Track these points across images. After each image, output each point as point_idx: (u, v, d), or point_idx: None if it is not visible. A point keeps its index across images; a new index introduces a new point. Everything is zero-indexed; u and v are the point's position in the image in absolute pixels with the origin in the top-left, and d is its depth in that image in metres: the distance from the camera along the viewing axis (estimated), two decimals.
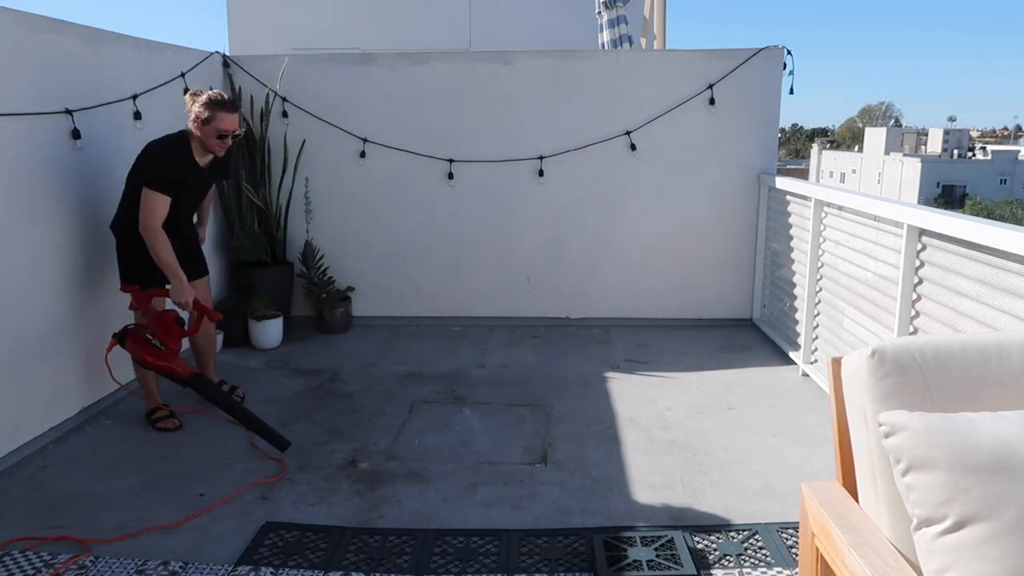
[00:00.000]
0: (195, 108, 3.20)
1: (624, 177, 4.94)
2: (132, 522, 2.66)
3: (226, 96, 3.25)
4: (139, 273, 3.29)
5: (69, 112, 3.41)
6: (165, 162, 3.19)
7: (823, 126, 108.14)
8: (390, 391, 3.95)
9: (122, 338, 3.28)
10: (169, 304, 3.36)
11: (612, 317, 5.06)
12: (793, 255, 4.43)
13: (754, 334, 4.87)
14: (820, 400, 3.76)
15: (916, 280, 3.04)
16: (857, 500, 1.60)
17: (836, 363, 1.64)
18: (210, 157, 3.34)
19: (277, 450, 3.13)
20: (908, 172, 51.97)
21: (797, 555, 2.40)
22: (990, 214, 37.75)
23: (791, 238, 4.45)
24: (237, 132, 3.26)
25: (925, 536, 1.33)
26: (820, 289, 4.04)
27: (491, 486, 2.93)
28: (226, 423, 3.53)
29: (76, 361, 3.48)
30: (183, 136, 3.27)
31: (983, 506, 1.26)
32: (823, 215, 3.98)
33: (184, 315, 3.40)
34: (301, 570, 2.39)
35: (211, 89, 3.30)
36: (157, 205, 3.13)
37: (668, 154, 4.89)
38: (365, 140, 4.96)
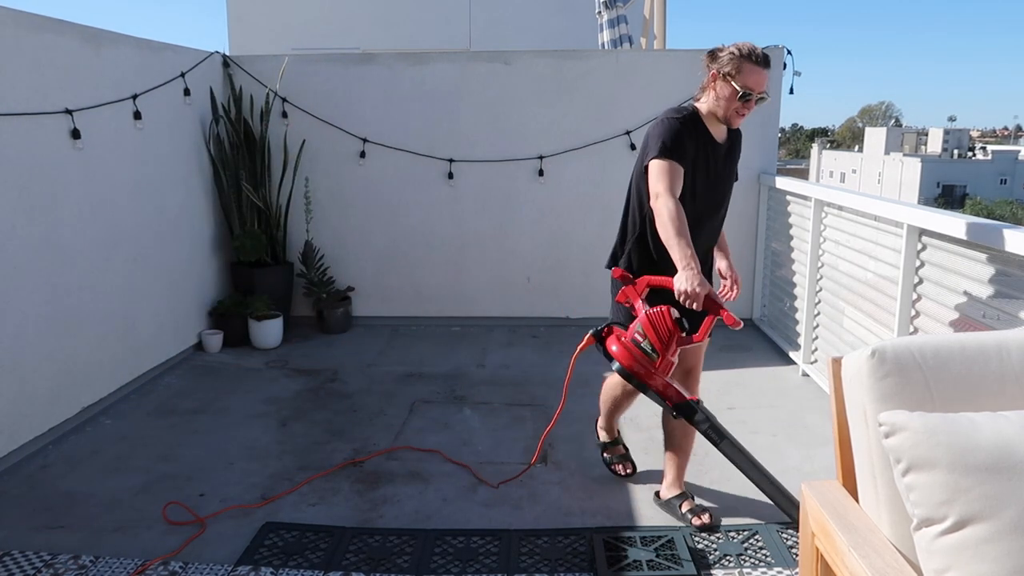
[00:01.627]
0: (715, 64, 2.58)
1: (624, 177, 4.82)
2: (132, 522, 2.66)
3: (758, 51, 2.53)
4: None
5: (69, 112, 3.41)
6: (670, 126, 2.54)
7: (823, 126, 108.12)
8: (390, 391, 3.95)
9: (600, 337, 2.58)
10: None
11: None
12: (793, 255, 4.43)
13: (754, 334, 4.87)
14: (820, 400, 3.76)
15: (916, 280, 3.04)
16: (857, 500, 1.59)
17: (836, 363, 1.64)
18: (725, 131, 2.69)
19: (786, 517, 2.53)
20: (908, 172, 51.92)
21: (797, 555, 2.40)
22: (990, 214, 37.72)
23: (791, 238, 4.45)
24: (763, 94, 2.55)
25: (925, 536, 1.33)
26: (820, 289, 4.04)
27: (491, 486, 2.93)
28: (225, 424, 3.53)
29: (76, 361, 3.49)
30: (694, 112, 2.65)
31: (983, 506, 1.25)
32: (823, 215, 3.98)
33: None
34: (301, 570, 2.38)
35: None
36: (667, 170, 2.46)
37: None
38: (365, 140, 4.96)
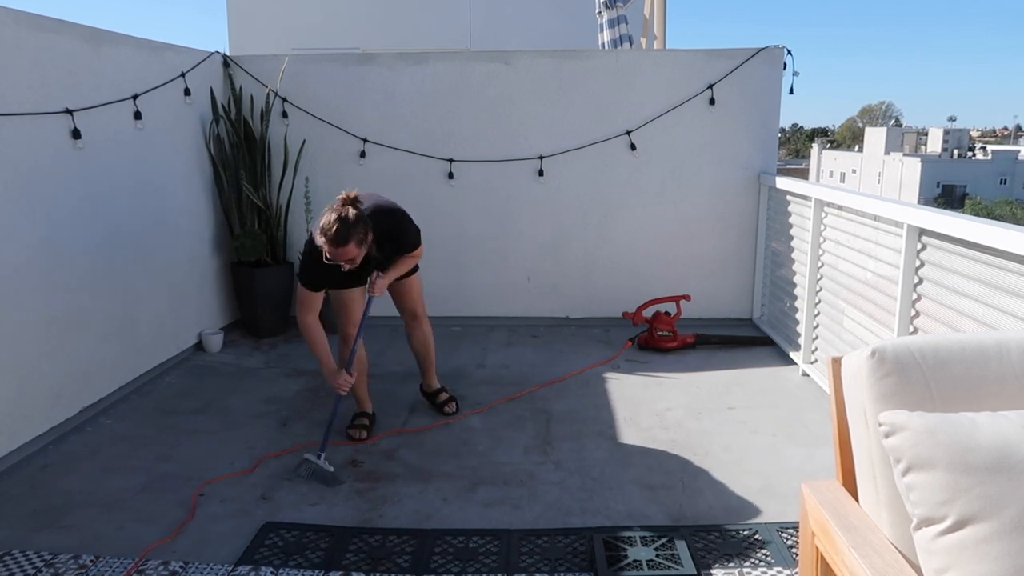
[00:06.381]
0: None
1: (624, 177, 4.94)
2: (132, 522, 2.66)
3: (332, 230, 2.81)
4: None
5: (69, 112, 3.41)
6: (304, 265, 3.12)
7: (823, 126, 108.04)
8: (390, 391, 3.95)
9: (636, 340, 4.63)
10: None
11: (612, 317, 5.05)
12: (793, 255, 4.43)
13: (754, 334, 4.87)
14: (820, 400, 3.76)
15: (916, 280, 3.04)
16: (857, 500, 1.60)
17: (836, 363, 1.64)
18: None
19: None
20: (908, 172, 51.89)
21: (797, 555, 2.40)
22: (990, 214, 37.71)
23: (791, 238, 4.45)
24: (344, 265, 2.93)
25: (925, 536, 1.33)
26: (820, 289, 4.04)
27: (491, 486, 2.93)
28: (226, 424, 3.54)
29: (76, 361, 3.49)
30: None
31: (983, 506, 1.26)
32: (823, 215, 3.98)
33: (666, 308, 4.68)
34: (301, 570, 2.39)
35: (341, 215, 2.85)
36: (306, 298, 3.24)
37: (668, 154, 4.89)
38: (365, 140, 4.96)
